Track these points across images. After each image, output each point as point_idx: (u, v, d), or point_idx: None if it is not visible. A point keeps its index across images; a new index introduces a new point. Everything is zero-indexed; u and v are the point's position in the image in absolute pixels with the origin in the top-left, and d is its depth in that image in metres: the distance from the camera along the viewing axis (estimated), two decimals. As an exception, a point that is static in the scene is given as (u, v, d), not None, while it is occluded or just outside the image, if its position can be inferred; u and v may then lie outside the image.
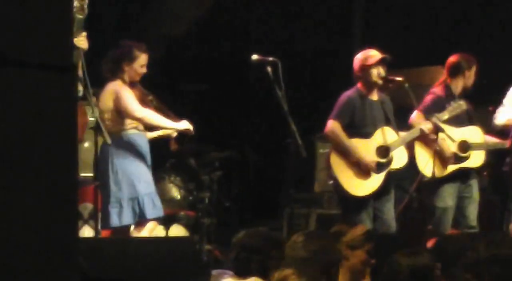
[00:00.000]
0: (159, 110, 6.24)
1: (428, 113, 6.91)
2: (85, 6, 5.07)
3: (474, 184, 7.21)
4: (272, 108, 6.77)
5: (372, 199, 6.78)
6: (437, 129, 6.84)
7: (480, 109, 7.78)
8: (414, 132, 6.87)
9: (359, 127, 6.77)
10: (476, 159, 7.13)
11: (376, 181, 6.75)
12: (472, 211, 7.17)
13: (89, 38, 5.20)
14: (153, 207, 6.05)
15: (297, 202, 8.19)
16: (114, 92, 6.04)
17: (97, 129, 5.26)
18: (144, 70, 6.15)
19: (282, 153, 6.89)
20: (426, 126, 6.81)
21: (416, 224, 7.56)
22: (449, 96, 7.10)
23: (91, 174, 5.45)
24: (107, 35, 5.46)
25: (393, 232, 6.76)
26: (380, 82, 6.77)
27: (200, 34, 9.58)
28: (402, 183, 7.43)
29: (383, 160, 6.76)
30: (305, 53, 9.86)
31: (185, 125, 6.20)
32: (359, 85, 6.84)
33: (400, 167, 6.85)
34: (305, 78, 9.36)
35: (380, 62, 6.71)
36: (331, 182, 6.91)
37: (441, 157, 7.01)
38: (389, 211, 6.88)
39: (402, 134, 6.84)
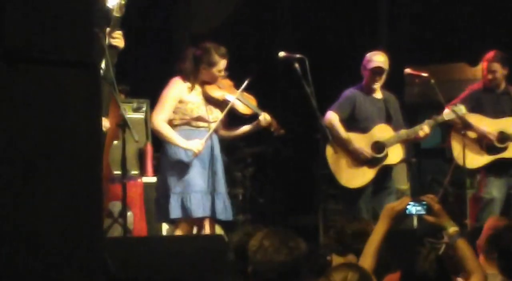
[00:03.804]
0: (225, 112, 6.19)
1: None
2: (123, 6, 5.07)
3: None
4: (302, 103, 6.74)
5: (369, 194, 6.84)
6: (463, 122, 6.98)
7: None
8: (410, 132, 6.92)
9: (358, 122, 6.89)
10: None
11: (368, 174, 6.85)
12: None
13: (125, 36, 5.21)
14: (199, 206, 5.98)
15: (330, 197, 8.14)
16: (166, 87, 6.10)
17: (124, 126, 5.26)
18: (222, 74, 6.15)
19: (314, 148, 6.85)
20: (423, 129, 6.86)
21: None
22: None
23: (119, 172, 5.43)
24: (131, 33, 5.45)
25: None
26: (375, 86, 6.90)
27: (230, 30, 9.57)
28: (437, 177, 7.39)
29: (378, 155, 6.83)
30: (333, 49, 9.83)
31: (194, 146, 6.05)
32: (364, 81, 6.90)
33: (395, 163, 6.98)
34: (334, 73, 9.32)
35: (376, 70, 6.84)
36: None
37: (476, 147, 7.07)
38: None
39: (400, 132, 6.90)
